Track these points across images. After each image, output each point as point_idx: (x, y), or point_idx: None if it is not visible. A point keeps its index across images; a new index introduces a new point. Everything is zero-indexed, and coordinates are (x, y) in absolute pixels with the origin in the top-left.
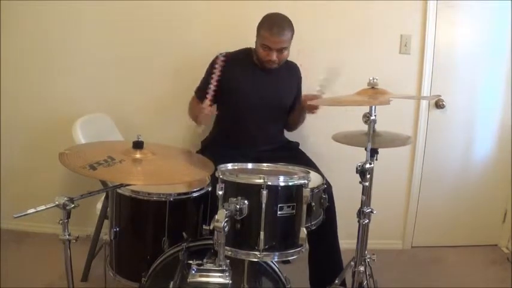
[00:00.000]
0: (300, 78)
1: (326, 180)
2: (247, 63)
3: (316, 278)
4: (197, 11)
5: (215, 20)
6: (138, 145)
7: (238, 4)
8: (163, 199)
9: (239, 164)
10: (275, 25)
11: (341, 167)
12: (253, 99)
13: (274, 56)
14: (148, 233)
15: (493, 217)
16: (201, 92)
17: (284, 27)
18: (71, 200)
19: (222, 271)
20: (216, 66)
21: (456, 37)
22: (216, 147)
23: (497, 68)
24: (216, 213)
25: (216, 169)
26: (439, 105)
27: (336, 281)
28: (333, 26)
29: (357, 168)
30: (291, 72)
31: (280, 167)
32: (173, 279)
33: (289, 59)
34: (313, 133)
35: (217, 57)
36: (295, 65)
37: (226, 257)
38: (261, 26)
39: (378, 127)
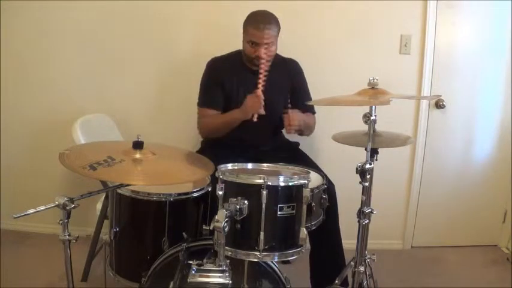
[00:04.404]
0: (298, 73)
1: (328, 179)
2: (237, 65)
3: (318, 277)
4: (196, 12)
5: (214, 21)
6: (138, 145)
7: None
8: (163, 199)
9: (239, 164)
10: (261, 20)
11: (341, 167)
12: (243, 100)
13: (261, 52)
14: (148, 233)
15: (493, 217)
16: (211, 100)
17: (270, 22)
18: (71, 200)
19: (222, 271)
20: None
21: (456, 37)
22: (216, 148)
23: (497, 68)
24: (216, 213)
25: (216, 169)
26: (439, 105)
27: (336, 281)
28: (332, 26)
29: (357, 169)
30: (285, 69)
31: (280, 167)
32: (173, 279)
33: (287, 56)
34: (313, 133)
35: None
36: (291, 60)
37: (226, 257)
38: (247, 23)
39: (378, 127)
